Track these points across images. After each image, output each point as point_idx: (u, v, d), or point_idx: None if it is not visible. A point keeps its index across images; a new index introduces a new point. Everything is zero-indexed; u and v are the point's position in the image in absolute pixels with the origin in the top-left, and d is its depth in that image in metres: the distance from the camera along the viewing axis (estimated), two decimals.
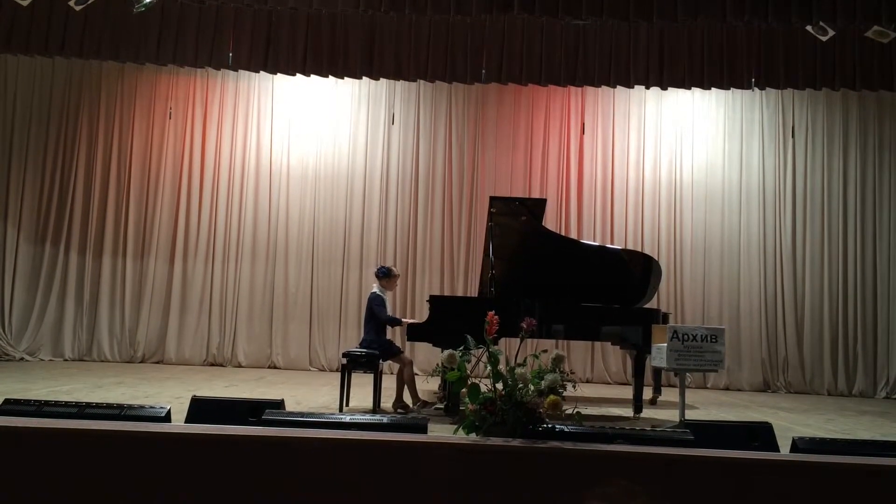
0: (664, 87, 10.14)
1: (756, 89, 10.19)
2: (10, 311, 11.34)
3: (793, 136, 11.65)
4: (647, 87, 10.41)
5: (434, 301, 7.12)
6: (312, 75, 10.28)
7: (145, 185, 11.75)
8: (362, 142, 11.83)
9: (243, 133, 11.88)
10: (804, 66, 9.63)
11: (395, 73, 10.02)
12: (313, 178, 11.77)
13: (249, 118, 11.89)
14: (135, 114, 11.83)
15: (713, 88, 10.30)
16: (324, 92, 11.75)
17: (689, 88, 10.49)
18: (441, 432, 3.53)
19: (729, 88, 10.18)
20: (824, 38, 9.04)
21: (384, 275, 7.39)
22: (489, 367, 2.91)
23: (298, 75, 10.36)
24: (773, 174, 11.64)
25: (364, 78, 10.40)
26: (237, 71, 10.61)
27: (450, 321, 6.66)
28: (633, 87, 10.33)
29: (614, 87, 10.30)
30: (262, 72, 10.40)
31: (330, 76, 10.30)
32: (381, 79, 10.56)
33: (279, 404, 3.28)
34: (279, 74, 10.69)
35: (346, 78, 10.47)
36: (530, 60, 9.71)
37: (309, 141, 11.83)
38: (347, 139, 11.84)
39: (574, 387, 2.96)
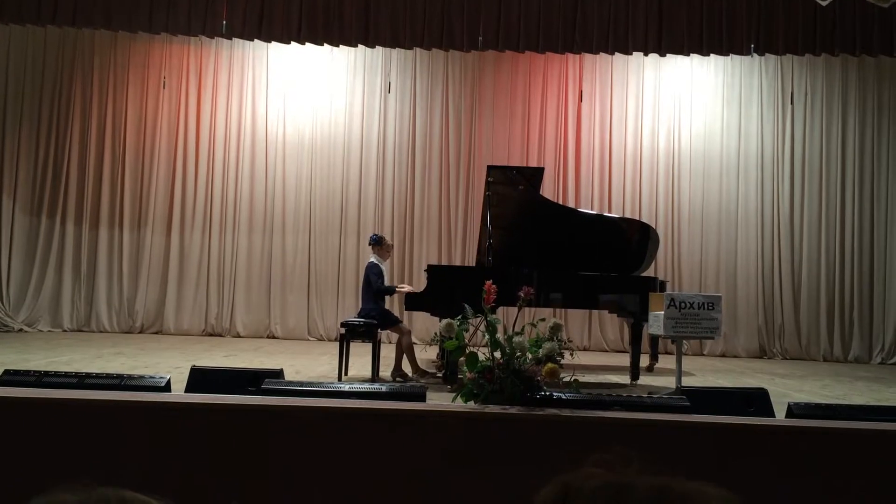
0: (662, 54, 10.06)
1: (755, 55, 10.11)
2: (7, 282, 11.33)
3: (791, 102, 11.58)
4: (646, 54, 10.31)
5: (432, 270, 7.13)
6: (307, 43, 10.18)
7: (140, 156, 11.68)
8: (358, 111, 11.75)
9: (238, 102, 11.78)
10: (804, 32, 9.54)
11: (392, 41, 9.92)
12: (309, 147, 11.71)
13: (244, 87, 11.78)
14: (128, 83, 11.71)
15: (712, 55, 10.22)
16: (319, 60, 11.63)
17: (688, 55, 10.40)
18: (439, 400, 3.56)
19: (728, 55, 10.10)
20: (824, 3, 8.95)
21: (376, 242, 7.40)
22: (487, 336, 2.92)
23: (293, 43, 10.25)
24: (772, 141, 11.59)
25: (360, 46, 10.30)
26: (231, 39, 10.50)
27: (448, 290, 6.67)
28: (631, 54, 10.24)
29: (612, 54, 10.21)
30: (256, 40, 10.30)
31: (325, 44, 10.19)
32: (377, 47, 10.47)
33: (278, 374, 3.29)
34: (274, 42, 10.58)
35: (341, 46, 10.37)
36: (528, 27, 9.61)
37: (305, 110, 11.73)
38: (343, 108, 11.74)
39: (572, 355, 2.98)
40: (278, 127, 11.74)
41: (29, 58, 11.62)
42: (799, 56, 10.69)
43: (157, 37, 10.93)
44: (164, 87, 11.70)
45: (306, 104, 11.73)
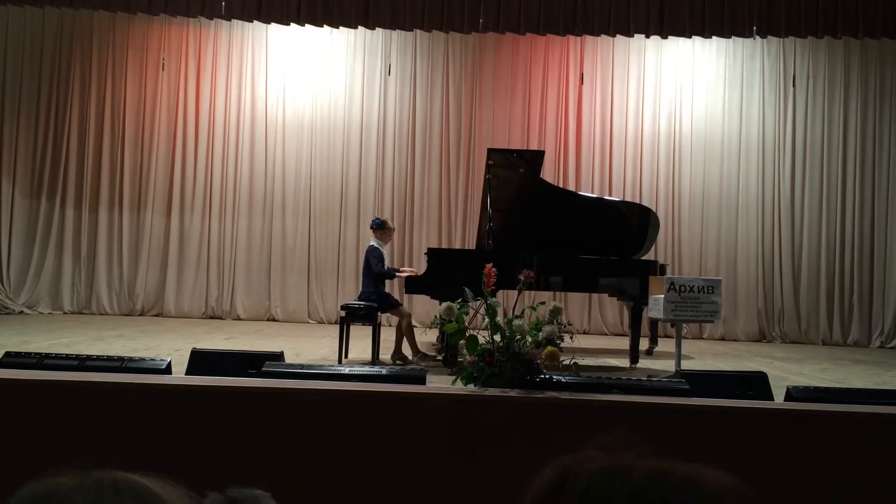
0: (664, 36, 10.00)
1: (757, 38, 10.05)
2: (7, 264, 11.33)
3: (793, 85, 11.52)
4: (647, 37, 10.26)
5: (432, 254, 7.13)
6: (307, 25, 10.12)
7: (139, 138, 11.64)
8: (358, 93, 11.69)
9: (238, 84, 11.72)
10: (806, 14, 9.48)
11: (391, 23, 9.86)
12: (309, 129, 11.66)
13: (244, 69, 11.72)
14: (127, 65, 11.65)
15: (714, 37, 10.16)
16: (319, 42, 11.56)
17: (690, 37, 10.35)
18: (439, 383, 3.57)
19: (730, 37, 10.04)
20: None
21: (378, 226, 7.39)
22: (487, 319, 2.92)
23: (293, 25, 10.19)
24: (773, 124, 11.55)
25: (359, 27, 10.24)
26: (230, 21, 10.43)
27: (448, 274, 6.66)
28: (632, 37, 10.18)
29: (614, 36, 10.16)
30: (255, 21, 10.23)
31: (324, 25, 10.13)
32: (377, 28, 10.40)
33: (278, 356, 3.30)
34: (273, 24, 10.51)
35: (340, 27, 10.31)
36: (528, 9, 9.54)
37: (304, 92, 11.68)
38: (343, 90, 11.69)
39: (571, 338, 2.98)
40: (278, 109, 11.69)
41: (27, 40, 11.54)
42: (801, 39, 10.63)
43: (155, 18, 10.86)
44: (163, 69, 11.64)
45: (306, 86, 11.68)
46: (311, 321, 11.37)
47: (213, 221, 11.61)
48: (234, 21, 10.46)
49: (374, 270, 7.12)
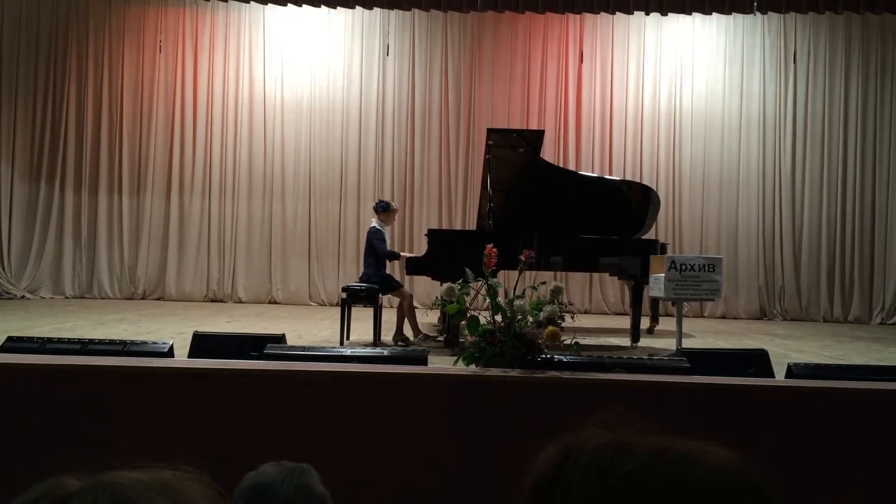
0: (664, 13, 9.92)
1: (758, 14, 9.97)
2: (8, 249, 11.33)
3: (794, 61, 11.45)
4: (647, 13, 10.19)
5: (432, 235, 7.12)
6: (304, 5, 10.05)
7: (138, 120, 11.59)
8: (357, 74, 11.62)
9: (235, 66, 11.65)
10: None
11: (389, 2, 9.79)
12: (308, 111, 11.61)
13: (241, 50, 11.64)
14: (124, 48, 11.58)
15: (714, 13, 10.08)
16: (316, 23, 11.48)
17: (690, 14, 10.27)
18: (441, 364, 3.58)
19: (730, 13, 9.97)
20: None
21: (383, 209, 7.38)
22: (488, 300, 2.92)
23: (290, 5, 10.12)
24: (774, 101, 11.50)
25: (357, 7, 10.17)
26: (227, 1, 10.35)
27: (448, 255, 6.66)
28: (632, 14, 10.11)
29: (613, 13, 10.09)
30: (252, 2, 10.16)
31: (322, 6, 10.06)
32: (375, 8, 10.32)
33: (280, 338, 3.31)
34: (270, 4, 10.43)
35: (338, 7, 10.24)
36: None
37: (303, 73, 11.61)
38: (342, 71, 11.62)
39: (572, 317, 2.99)
40: (276, 90, 11.62)
41: (23, 24, 11.45)
42: (802, 14, 10.55)
43: (151, 0, 10.78)
44: (160, 52, 11.57)
45: (304, 67, 11.60)
46: (312, 303, 11.39)
47: (212, 204, 11.58)
48: (231, 2, 10.39)
49: (379, 251, 7.12)
